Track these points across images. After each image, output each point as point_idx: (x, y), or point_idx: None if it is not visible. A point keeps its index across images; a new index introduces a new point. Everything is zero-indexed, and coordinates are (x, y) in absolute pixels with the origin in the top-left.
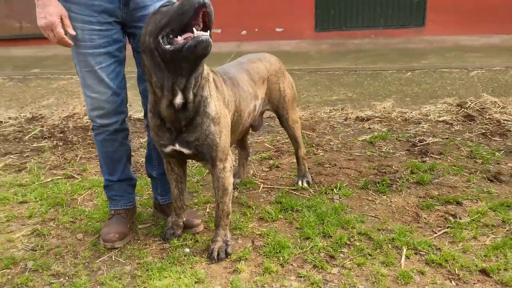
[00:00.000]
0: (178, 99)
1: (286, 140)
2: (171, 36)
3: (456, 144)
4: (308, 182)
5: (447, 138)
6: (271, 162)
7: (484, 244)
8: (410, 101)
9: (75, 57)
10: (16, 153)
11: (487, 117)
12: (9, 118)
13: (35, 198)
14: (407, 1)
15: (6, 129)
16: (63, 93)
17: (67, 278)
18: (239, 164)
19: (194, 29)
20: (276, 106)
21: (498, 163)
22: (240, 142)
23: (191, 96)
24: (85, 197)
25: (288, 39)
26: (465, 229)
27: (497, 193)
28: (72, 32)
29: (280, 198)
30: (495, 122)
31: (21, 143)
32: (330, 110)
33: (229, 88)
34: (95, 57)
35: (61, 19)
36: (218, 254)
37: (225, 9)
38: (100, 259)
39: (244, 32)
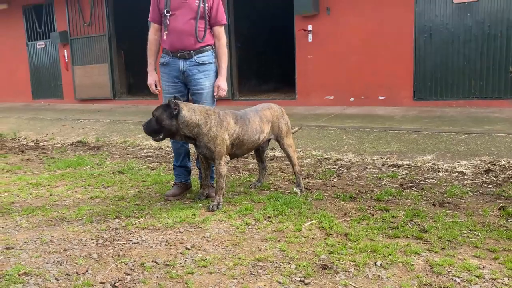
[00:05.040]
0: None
1: (319, 171)
2: None
3: (446, 185)
4: (300, 190)
5: (445, 182)
6: (293, 180)
7: (369, 226)
8: (449, 156)
9: (163, 98)
10: (157, 163)
11: (506, 173)
12: (168, 147)
13: (150, 180)
14: (502, 75)
15: (162, 151)
16: None
17: (138, 205)
18: (259, 173)
19: None
20: (276, 136)
21: (460, 198)
22: (258, 159)
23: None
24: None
25: (388, 106)
26: (366, 219)
27: (425, 210)
28: (159, 88)
29: (274, 194)
30: (509, 176)
31: (164, 158)
32: (377, 158)
33: (237, 125)
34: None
35: (156, 81)
36: (212, 207)
37: (338, 81)
38: (160, 202)
39: (352, 99)
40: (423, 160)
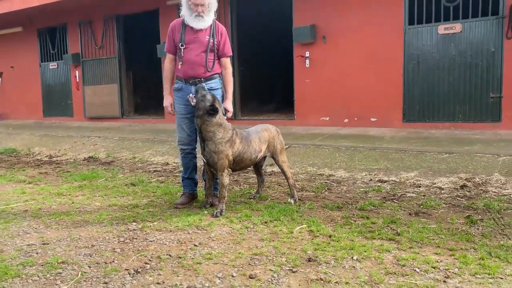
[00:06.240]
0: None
1: (312, 185)
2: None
3: (424, 198)
4: (294, 200)
5: (424, 195)
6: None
7: (350, 230)
8: (431, 174)
9: (176, 118)
10: (165, 176)
11: (479, 188)
12: (175, 162)
13: (160, 191)
14: (483, 100)
15: (169, 166)
16: None
17: (151, 211)
18: (258, 185)
19: None
20: (271, 153)
21: (434, 209)
22: (257, 173)
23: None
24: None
25: (380, 127)
26: (349, 224)
27: (401, 218)
28: (173, 110)
29: (271, 204)
30: (481, 191)
31: (172, 173)
32: (365, 174)
33: (241, 144)
34: (181, 119)
35: (170, 104)
36: (216, 214)
37: (334, 103)
38: (170, 210)
39: (346, 120)
40: (407, 176)
